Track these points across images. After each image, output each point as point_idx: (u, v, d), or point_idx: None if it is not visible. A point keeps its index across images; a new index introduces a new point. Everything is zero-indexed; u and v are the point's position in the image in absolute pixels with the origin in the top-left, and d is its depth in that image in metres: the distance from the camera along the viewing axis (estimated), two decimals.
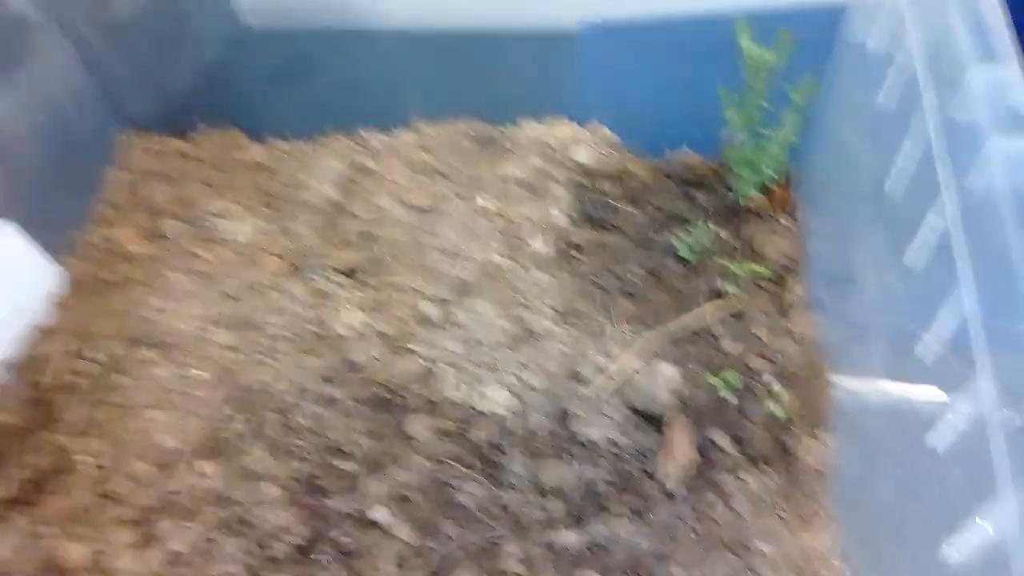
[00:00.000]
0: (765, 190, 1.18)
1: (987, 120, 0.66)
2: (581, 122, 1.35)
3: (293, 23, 1.42)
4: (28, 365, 1.14)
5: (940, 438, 0.68)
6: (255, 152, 1.38)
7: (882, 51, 0.92)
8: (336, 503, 1.00)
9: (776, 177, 1.16)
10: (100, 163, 1.37)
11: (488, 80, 1.41)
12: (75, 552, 0.99)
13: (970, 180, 0.66)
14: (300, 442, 1.05)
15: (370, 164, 1.33)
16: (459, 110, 1.37)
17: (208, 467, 1.04)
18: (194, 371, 1.12)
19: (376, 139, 1.37)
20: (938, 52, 0.76)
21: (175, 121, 1.42)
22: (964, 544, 0.60)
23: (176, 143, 1.41)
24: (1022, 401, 0.56)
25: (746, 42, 1.04)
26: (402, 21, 1.41)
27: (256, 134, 1.41)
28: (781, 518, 0.93)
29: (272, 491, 1.02)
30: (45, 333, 1.17)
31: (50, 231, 1.24)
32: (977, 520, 0.58)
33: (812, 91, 1.05)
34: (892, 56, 0.86)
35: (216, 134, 1.41)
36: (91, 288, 1.22)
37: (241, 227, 1.27)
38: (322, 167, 1.33)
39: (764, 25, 1.05)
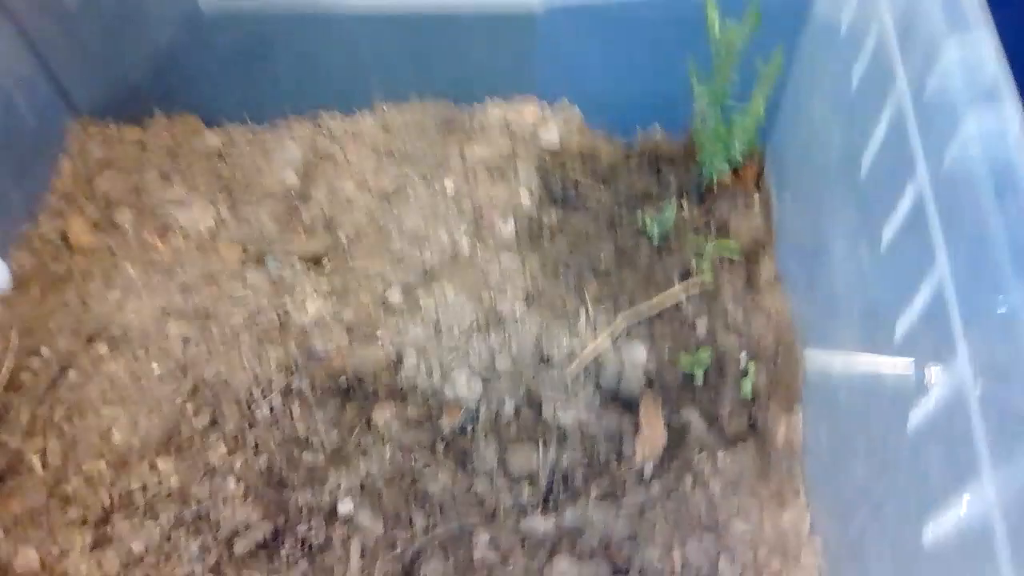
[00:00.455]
0: (735, 167, 1.16)
1: (962, 92, 0.64)
2: (548, 102, 1.32)
3: (250, 5, 1.37)
4: None
5: (914, 413, 0.66)
6: (212, 139, 1.33)
7: (854, 26, 0.90)
8: (300, 496, 0.97)
9: (746, 154, 1.14)
10: (50, 153, 1.31)
11: (453, 61, 1.38)
12: (27, 556, 0.95)
13: (945, 152, 0.64)
14: (262, 435, 1.02)
15: (331, 149, 1.29)
16: (423, 91, 1.34)
17: (166, 464, 1.01)
18: (150, 365, 1.08)
19: (337, 123, 1.33)
20: (911, 25, 0.74)
21: (129, 108, 1.37)
22: (941, 519, 0.58)
23: (130, 131, 1.36)
24: (997, 374, 0.55)
25: (713, 17, 1.01)
26: (363, 3, 1.37)
27: (213, 120, 1.37)
28: (755, 497, 0.92)
29: (233, 486, 0.98)
30: None
31: None
32: (953, 496, 0.56)
33: (781, 66, 1.03)
34: (864, 31, 0.84)
35: (172, 121, 1.36)
36: (41, 282, 1.17)
37: (198, 216, 1.22)
38: (282, 153, 1.29)
39: (732, 3, 1.03)
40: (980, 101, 0.62)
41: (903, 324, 0.69)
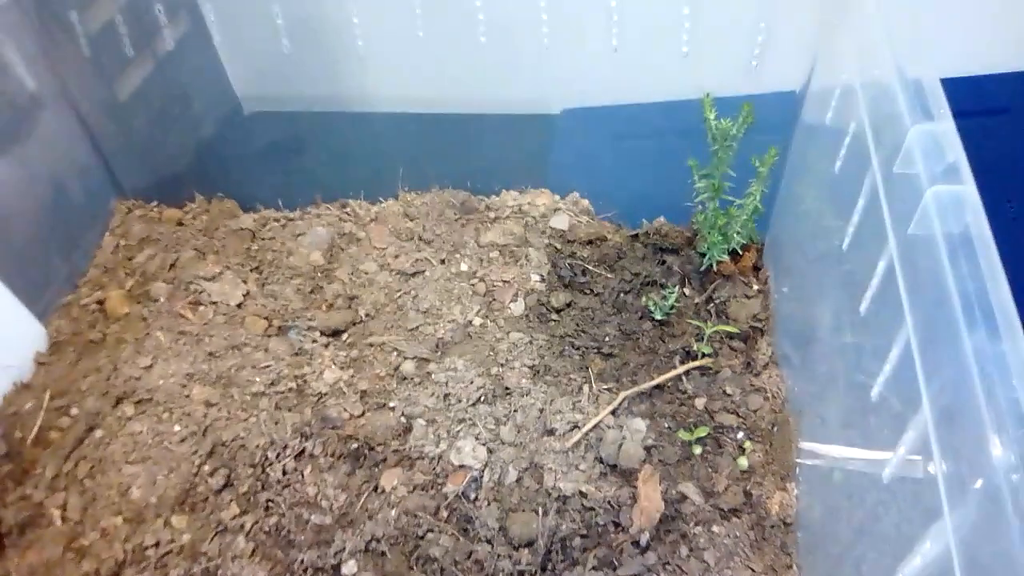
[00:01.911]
0: (734, 254, 1.23)
1: (923, 173, 0.70)
2: (561, 194, 1.41)
3: (287, 105, 1.49)
4: (5, 420, 1.15)
5: (888, 469, 0.69)
6: (247, 221, 1.43)
7: (836, 122, 0.98)
8: (307, 556, 0.99)
9: (744, 242, 1.20)
10: (96, 230, 1.42)
11: (473, 155, 1.48)
12: None
13: (910, 225, 0.70)
14: (273, 496, 1.06)
15: (356, 231, 1.38)
16: (444, 182, 1.43)
17: (180, 521, 1.04)
18: (172, 427, 1.13)
19: (363, 208, 1.42)
20: (882, 118, 0.81)
21: (171, 191, 1.48)
22: (910, 564, 0.61)
23: (171, 212, 1.46)
24: (952, 419, 0.58)
25: (709, 114, 1.10)
26: (392, 105, 1.49)
27: (249, 204, 1.47)
28: (749, 568, 0.93)
29: (242, 544, 1.01)
30: (25, 389, 1.19)
31: (40, 293, 1.27)
32: (920, 541, 0.59)
33: (775, 162, 1.11)
34: (845, 125, 0.92)
35: (210, 204, 1.47)
36: (76, 347, 1.24)
37: (228, 290, 1.30)
38: (310, 234, 1.38)
39: (732, 107, 1.13)
40: (939, 180, 0.68)
41: (878, 387, 0.73)
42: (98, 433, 1.14)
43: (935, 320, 0.62)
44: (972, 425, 0.55)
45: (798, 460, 1.00)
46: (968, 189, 0.66)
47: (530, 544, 0.98)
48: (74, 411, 1.16)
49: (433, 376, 1.14)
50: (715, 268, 1.22)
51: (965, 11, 1.38)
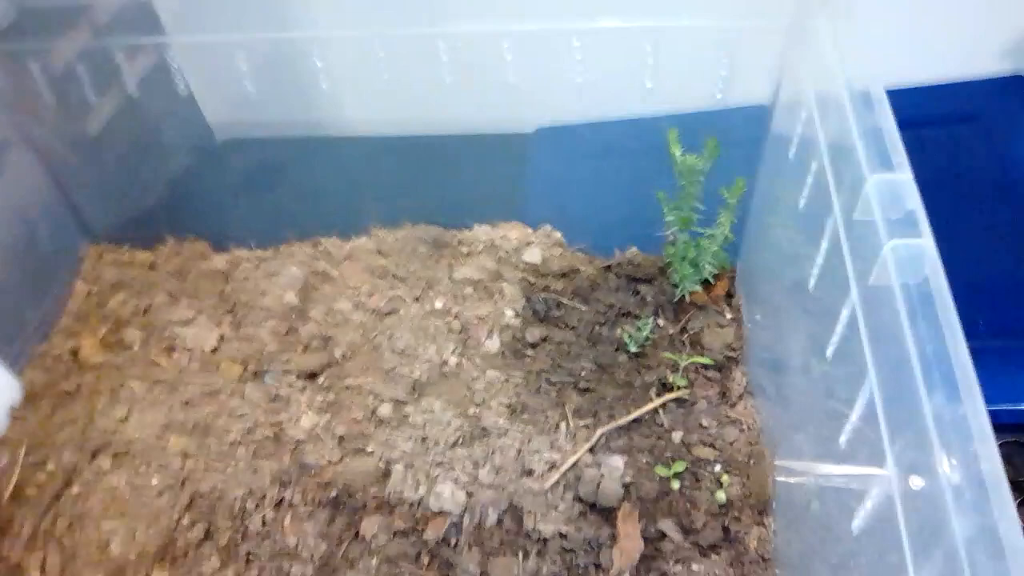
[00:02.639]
0: (706, 284, 1.23)
1: (882, 224, 0.71)
2: (532, 226, 1.41)
3: (259, 132, 1.50)
4: None
5: (857, 515, 0.70)
6: (218, 261, 1.42)
7: (799, 158, 0.98)
8: None
9: (716, 271, 1.21)
10: (66, 275, 1.40)
11: (444, 187, 1.49)
12: None
13: (871, 276, 0.71)
14: (253, 547, 1.05)
15: (329, 270, 1.37)
16: (415, 217, 1.43)
17: (160, 575, 1.04)
18: (150, 479, 1.13)
19: (335, 246, 1.42)
20: (842, 163, 0.82)
21: (141, 233, 1.47)
22: None
23: (142, 255, 1.45)
24: (920, 472, 0.59)
25: (676, 149, 1.11)
26: (362, 126, 1.50)
27: (220, 244, 1.46)
28: None
29: None
30: (0, 444, 1.18)
31: (11, 343, 1.26)
32: None
33: (743, 191, 1.12)
34: (807, 164, 0.93)
35: (181, 245, 1.46)
36: (50, 399, 1.23)
37: (202, 335, 1.29)
38: (283, 274, 1.37)
39: (700, 124, 1.13)
40: (897, 232, 0.69)
41: (845, 433, 0.74)
42: (75, 488, 1.13)
43: (895, 376, 0.63)
44: (933, 495, 0.56)
45: (775, 491, 1.01)
46: (926, 243, 0.67)
47: None
48: (50, 466, 1.16)
49: (410, 419, 1.14)
50: (688, 298, 1.23)
51: (936, 18, 1.40)
